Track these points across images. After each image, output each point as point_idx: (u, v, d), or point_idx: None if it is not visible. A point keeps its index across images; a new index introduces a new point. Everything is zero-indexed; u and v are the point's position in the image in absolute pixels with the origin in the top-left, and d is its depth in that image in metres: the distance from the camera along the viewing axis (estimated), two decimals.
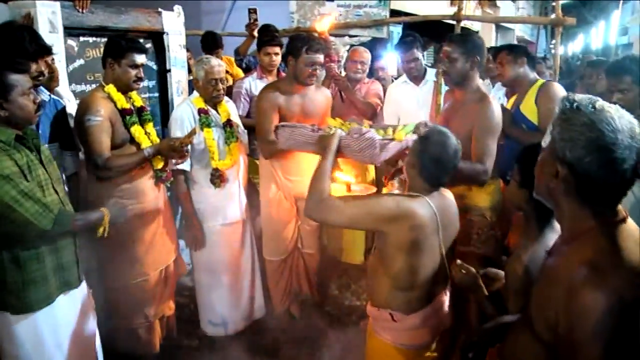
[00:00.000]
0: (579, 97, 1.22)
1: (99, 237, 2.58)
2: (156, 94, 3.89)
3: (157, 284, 2.85)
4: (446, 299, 2.09)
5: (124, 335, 2.83)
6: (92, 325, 2.35)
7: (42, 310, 2.06)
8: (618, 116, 1.16)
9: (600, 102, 1.19)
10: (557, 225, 1.39)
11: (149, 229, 2.78)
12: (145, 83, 3.81)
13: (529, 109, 3.08)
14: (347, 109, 4.07)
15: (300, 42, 3.03)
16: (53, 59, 2.66)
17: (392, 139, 2.24)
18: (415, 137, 2.10)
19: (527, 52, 3.29)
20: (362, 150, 2.20)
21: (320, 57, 3.04)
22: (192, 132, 2.72)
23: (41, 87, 2.53)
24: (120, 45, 2.58)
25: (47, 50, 2.40)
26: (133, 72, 2.62)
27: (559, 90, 3.03)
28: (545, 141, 1.28)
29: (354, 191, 2.67)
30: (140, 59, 2.64)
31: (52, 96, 2.68)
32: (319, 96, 3.27)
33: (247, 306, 3.31)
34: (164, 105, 3.91)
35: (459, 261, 2.00)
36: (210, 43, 4.87)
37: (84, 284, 2.29)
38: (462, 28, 4.60)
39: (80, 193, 2.70)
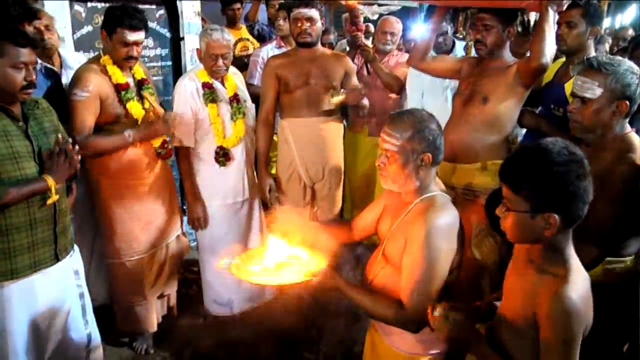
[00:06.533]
0: (601, 57, 1.78)
1: (95, 213, 2.52)
2: (169, 63, 3.78)
3: (156, 262, 2.76)
4: None
5: (120, 313, 2.80)
6: (72, 303, 2.18)
7: (13, 286, 1.93)
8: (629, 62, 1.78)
9: (614, 56, 1.80)
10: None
11: (147, 206, 2.67)
12: (158, 51, 3.69)
13: None
14: (373, 82, 3.86)
15: None
16: (47, 26, 2.54)
17: None
18: None
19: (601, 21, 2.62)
20: None
21: (304, 12, 2.85)
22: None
23: None
24: (113, 16, 2.35)
25: (32, 15, 2.27)
26: (124, 49, 2.39)
27: None
28: (596, 93, 1.75)
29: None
30: (134, 36, 2.37)
31: (44, 64, 2.53)
32: (332, 62, 3.03)
33: (253, 286, 3.19)
34: (178, 74, 3.78)
35: (438, 309, 1.51)
36: None
37: (63, 263, 2.10)
38: None
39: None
